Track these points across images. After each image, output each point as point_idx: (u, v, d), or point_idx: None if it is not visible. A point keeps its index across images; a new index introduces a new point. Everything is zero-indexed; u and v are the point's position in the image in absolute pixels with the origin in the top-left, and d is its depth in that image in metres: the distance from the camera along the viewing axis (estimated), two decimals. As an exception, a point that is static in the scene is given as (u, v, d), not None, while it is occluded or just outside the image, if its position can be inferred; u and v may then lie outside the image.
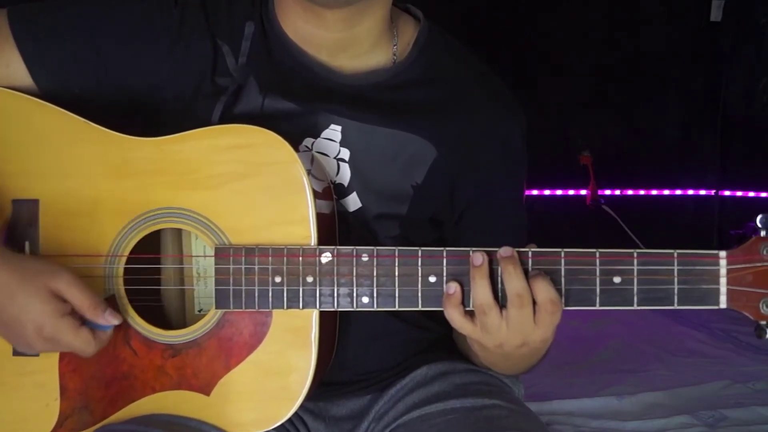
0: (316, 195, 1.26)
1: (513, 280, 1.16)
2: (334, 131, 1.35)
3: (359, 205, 1.36)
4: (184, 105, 1.35)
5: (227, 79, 1.35)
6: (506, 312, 1.17)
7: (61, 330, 1.19)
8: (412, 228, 1.39)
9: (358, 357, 1.40)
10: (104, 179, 1.28)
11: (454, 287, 1.18)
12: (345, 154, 1.35)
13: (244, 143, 1.26)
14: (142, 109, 1.36)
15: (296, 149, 1.25)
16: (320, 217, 1.25)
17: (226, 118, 1.34)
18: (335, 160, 1.35)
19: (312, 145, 1.35)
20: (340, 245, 1.24)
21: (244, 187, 1.25)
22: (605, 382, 2.63)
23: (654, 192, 4.09)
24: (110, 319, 1.21)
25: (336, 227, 1.32)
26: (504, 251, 1.17)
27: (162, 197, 1.27)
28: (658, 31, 4.01)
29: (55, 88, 1.33)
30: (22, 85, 1.33)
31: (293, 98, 1.34)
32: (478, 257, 1.17)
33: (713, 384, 2.60)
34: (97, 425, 1.28)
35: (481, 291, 1.17)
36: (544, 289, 1.16)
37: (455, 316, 1.19)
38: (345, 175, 1.35)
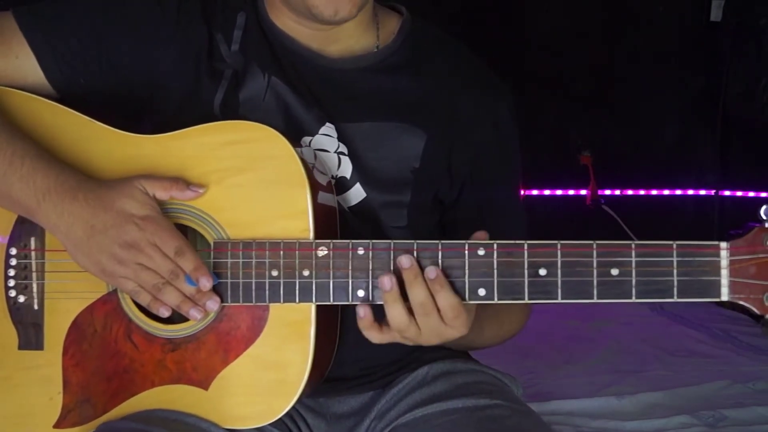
0: (321, 188, 1.28)
1: (414, 289, 1.18)
2: (329, 128, 1.38)
3: (363, 195, 1.38)
4: (187, 92, 1.38)
5: (222, 64, 1.38)
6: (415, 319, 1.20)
7: (161, 220, 1.23)
8: (418, 214, 1.41)
9: (359, 352, 1.40)
10: (108, 176, 1.29)
11: (363, 311, 1.21)
12: (344, 147, 1.38)
13: (242, 139, 1.27)
14: (146, 99, 1.39)
15: (296, 147, 1.27)
16: (320, 211, 1.26)
17: (230, 104, 1.36)
18: (335, 154, 1.37)
19: (310, 142, 1.37)
20: (342, 239, 1.24)
21: (243, 181, 1.26)
22: (605, 382, 2.63)
23: (654, 192, 4.08)
24: (198, 191, 1.25)
25: (337, 221, 1.33)
26: (404, 261, 1.19)
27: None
28: (658, 31, 4.01)
29: (63, 80, 1.36)
30: (33, 80, 1.36)
31: (290, 85, 1.38)
32: (387, 282, 1.19)
33: (713, 384, 2.60)
34: (98, 419, 1.29)
35: (396, 313, 1.20)
36: (443, 297, 1.18)
37: (372, 334, 1.23)
38: (346, 167, 1.38)
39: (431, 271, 1.18)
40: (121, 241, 1.21)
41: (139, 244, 1.21)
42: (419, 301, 1.19)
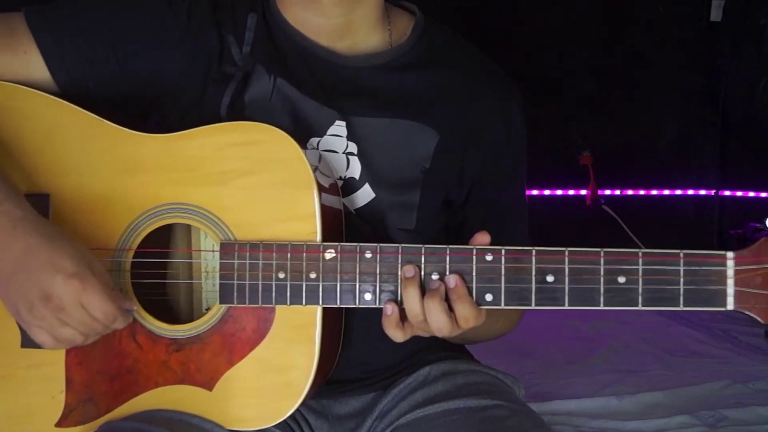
0: (324, 190, 1.27)
1: (409, 299, 1.19)
2: (339, 126, 1.37)
3: (372, 196, 1.37)
4: (195, 95, 1.37)
5: (233, 68, 1.37)
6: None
7: (94, 281, 1.17)
8: (427, 217, 1.41)
9: (363, 355, 1.40)
10: (113, 175, 1.29)
11: (391, 308, 1.20)
12: (353, 147, 1.37)
13: (250, 140, 1.27)
14: (154, 102, 1.38)
15: (303, 148, 1.27)
16: (327, 213, 1.26)
17: (236, 106, 1.35)
18: (344, 155, 1.37)
19: (318, 144, 1.36)
20: (348, 242, 1.24)
21: (250, 183, 1.26)
22: (605, 382, 2.64)
23: (654, 192, 4.09)
24: (131, 308, 1.23)
25: (343, 224, 1.33)
26: (406, 270, 1.19)
27: (169, 193, 1.28)
28: (658, 31, 4.02)
29: (71, 82, 1.35)
30: (41, 81, 1.35)
31: (299, 85, 1.37)
32: (410, 269, 1.19)
33: (713, 384, 2.62)
34: (101, 418, 1.28)
35: (412, 300, 1.19)
36: (433, 311, 1.18)
37: (396, 334, 1.22)
38: (355, 168, 1.37)
39: (450, 280, 1.19)
40: (42, 291, 1.16)
41: (62, 301, 1.16)
42: (413, 314, 1.19)
